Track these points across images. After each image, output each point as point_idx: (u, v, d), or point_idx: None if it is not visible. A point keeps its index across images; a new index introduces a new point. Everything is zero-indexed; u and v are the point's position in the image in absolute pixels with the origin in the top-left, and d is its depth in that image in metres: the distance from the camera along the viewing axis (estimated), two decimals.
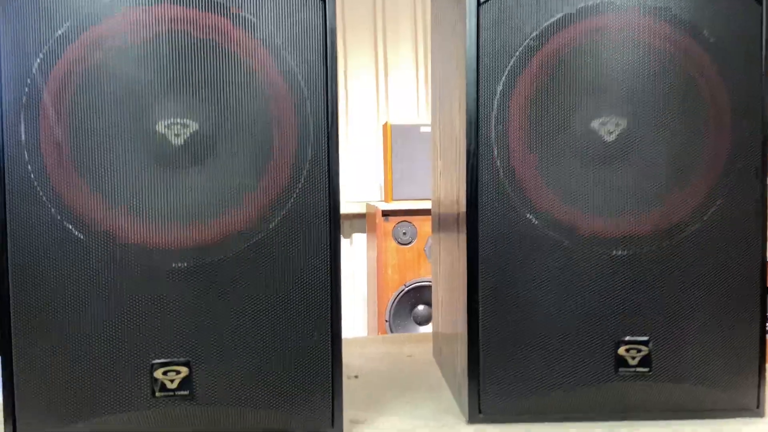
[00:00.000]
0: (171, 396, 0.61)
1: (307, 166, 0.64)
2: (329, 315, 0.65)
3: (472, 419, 0.67)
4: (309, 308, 0.64)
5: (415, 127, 2.09)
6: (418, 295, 2.05)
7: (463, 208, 0.68)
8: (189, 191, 0.62)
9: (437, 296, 0.89)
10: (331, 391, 0.65)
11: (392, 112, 2.55)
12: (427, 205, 1.32)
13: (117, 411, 0.61)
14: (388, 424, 0.69)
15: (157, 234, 0.61)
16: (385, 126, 2.13)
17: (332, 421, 0.65)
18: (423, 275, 2.03)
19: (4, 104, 0.60)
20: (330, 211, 0.64)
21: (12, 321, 0.60)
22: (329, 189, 0.64)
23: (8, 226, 0.60)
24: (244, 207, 0.63)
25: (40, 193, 0.60)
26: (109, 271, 0.61)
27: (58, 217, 0.60)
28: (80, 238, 0.61)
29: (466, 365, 0.67)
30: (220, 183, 0.62)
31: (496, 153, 0.66)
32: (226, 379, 0.62)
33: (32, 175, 0.60)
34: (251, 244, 0.63)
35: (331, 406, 0.65)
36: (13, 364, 0.60)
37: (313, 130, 0.64)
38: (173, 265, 0.62)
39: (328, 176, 0.64)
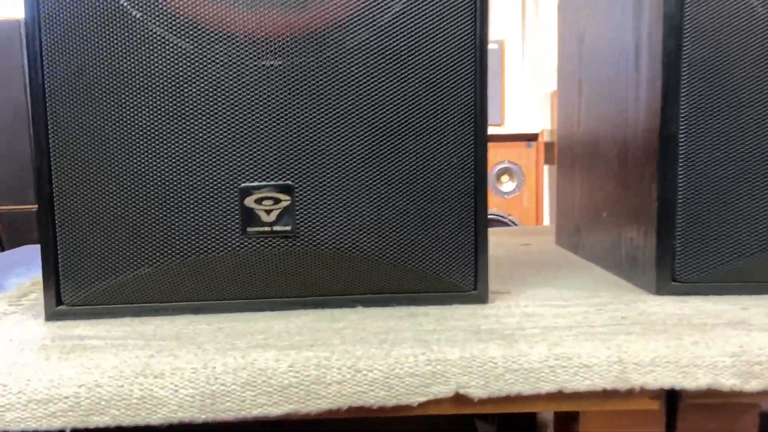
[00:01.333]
0: (267, 233, 0.44)
1: None
2: (472, 134, 0.47)
3: (661, 289, 0.49)
4: (446, 124, 0.47)
5: None
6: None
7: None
8: None
9: (566, 183, 0.71)
10: (474, 241, 0.48)
11: None
12: None
13: (193, 252, 0.45)
14: (542, 294, 0.51)
15: (240, 16, 0.44)
16: None
17: (475, 281, 0.48)
18: None
19: None
20: None
21: (50, 138, 0.45)
22: None
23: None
24: None
25: None
26: (177, 65, 0.44)
27: None
28: (134, 15, 0.44)
29: (655, 219, 0.49)
30: None
31: None
32: (343, 213, 0.45)
33: None
34: (371, 30, 0.45)
35: (474, 262, 0.48)
36: (54, 188, 0.45)
37: None
38: (264, 62, 0.45)
39: None
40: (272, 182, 0.44)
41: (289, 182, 0.44)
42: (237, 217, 0.44)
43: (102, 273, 0.45)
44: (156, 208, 0.44)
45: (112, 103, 0.44)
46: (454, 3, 0.45)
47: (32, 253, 0.88)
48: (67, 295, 0.45)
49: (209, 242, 0.45)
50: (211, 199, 0.44)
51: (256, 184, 0.44)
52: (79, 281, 0.45)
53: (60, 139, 0.44)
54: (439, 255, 0.47)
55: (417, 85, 0.46)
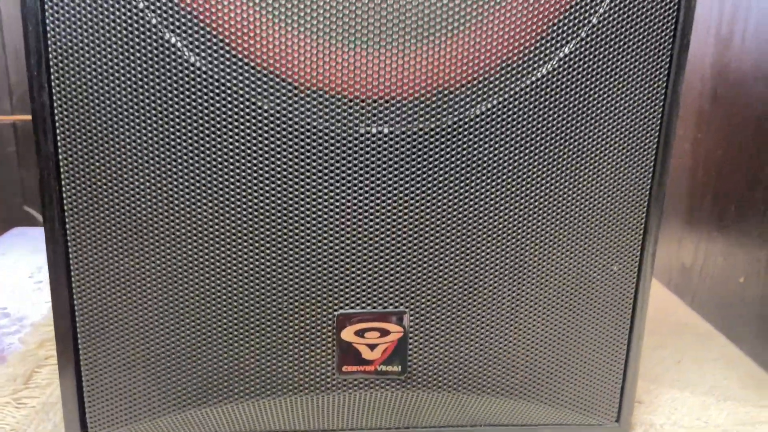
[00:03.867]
0: (369, 373, 0.33)
1: None
2: (640, 241, 0.35)
3: None
4: (611, 222, 0.34)
5: None
6: None
7: None
8: None
9: None
10: (623, 371, 0.37)
11: None
12: None
13: (270, 394, 0.33)
14: (681, 406, 0.41)
15: (335, 66, 0.30)
16: None
17: (618, 413, 0.38)
18: None
19: None
20: (678, 32, 0.32)
21: (68, 226, 0.32)
22: None
23: (48, 30, 0.29)
24: (509, 13, 0.31)
25: None
26: (246, 132, 0.30)
27: (154, 21, 0.29)
28: (193, 63, 0.30)
29: None
30: None
31: None
32: (469, 348, 0.34)
33: None
34: (525, 86, 0.31)
35: (620, 394, 0.37)
36: (77, 317, 0.32)
37: None
38: (368, 129, 0.31)
39: None
40: (379, 309, 0.32)
41: (401, 308, 0.32)
42: (329, 352, 0.33)
43: (137, 413, 0.34)
44: (217, 337, 0.32)
45: (164, 188, 0.31)
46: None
47: (22, 241, 0.75)
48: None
49: (288, 383, 0.33)
50: (293, 328, 0.32)
51: (356, 311, 0.32)
52: (110, 419, 0.34)
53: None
54: (581, 388, 0.36)
55: (583, 163, 0.33)
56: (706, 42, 0.58)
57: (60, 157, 0.31)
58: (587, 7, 0.31)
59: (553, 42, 0.31)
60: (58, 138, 0.31)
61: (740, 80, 0.52)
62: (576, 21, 0.31)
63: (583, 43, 0.31)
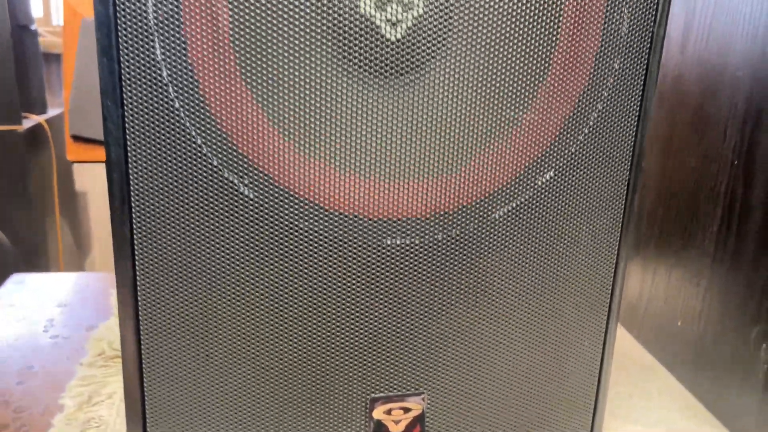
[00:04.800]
0: None
1: (608, 86, 0.39)
2: (605, 317, 0.44)
3: None
4: (581, 308, 0.43)
5: None
6: None
7: None
8: (410, 127, 0.37)
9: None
10: (593, 414, 0.46)
11: None
12: None
13: None
14: None
15: (362, 194, 0.37)
16: None
17: None
18: None
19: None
20: (633, 161, 0.41)
21: (141, 326, 0.38)
22: (639, 123, 0.40)
23: (131, 169, 0.35)
24: (501, 153, 0.39)
25: (186, 122, 0.35)
26: (290, 250, 0.37)
27: (214, 163, 0.36)
28: (246, 195, 0.36)
29: None
30: (461, 114, 0.37)
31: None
32: (476, 414, 0.42)
33: (173, 94, 0.34)
34: (509, 210, 0.40)
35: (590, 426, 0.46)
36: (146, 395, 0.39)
37: (627, 26, 0.38)
38: (393, 240, 0.39)
39: (641, 101, 0.40)
40: (403, 392, 0.40)
41: (421, 390, 0.40)
42: (363, 427, 0.40)
43: None
44: (270, 424, 0.39)
45: (220, 294, 0.37)
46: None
47: (26, 291, 0.78)
48: None
49: None
50: (332, 409, 0.40)
51: (386, 395, 0.40)
52: None
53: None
54: (552, 419, 0.45)
55: (567, 266, 0.41)
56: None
57: (138, 277, 0.37)
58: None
59: (544, 161, 0.39)
60: (137, 263, 0.37)
61: (683, 142, 0.62)
62: (547, 158, 0.39)
63: (555, 178, 0.39)
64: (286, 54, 0.34)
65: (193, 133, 0.35)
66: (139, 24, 0.33)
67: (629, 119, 0.40)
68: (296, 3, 0.34)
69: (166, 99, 0.34)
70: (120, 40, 0.33)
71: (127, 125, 0.35)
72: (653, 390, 0.59)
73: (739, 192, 0.52)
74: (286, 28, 0.34)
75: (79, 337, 0.65)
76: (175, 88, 0.34)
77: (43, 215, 1.84)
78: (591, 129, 0.39)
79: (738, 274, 0.52)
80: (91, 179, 2.28)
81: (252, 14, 0.34)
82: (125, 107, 0.34)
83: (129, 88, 0.34)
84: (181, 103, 0.34)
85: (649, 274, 0.67)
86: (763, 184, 0.50)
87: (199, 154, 0.35)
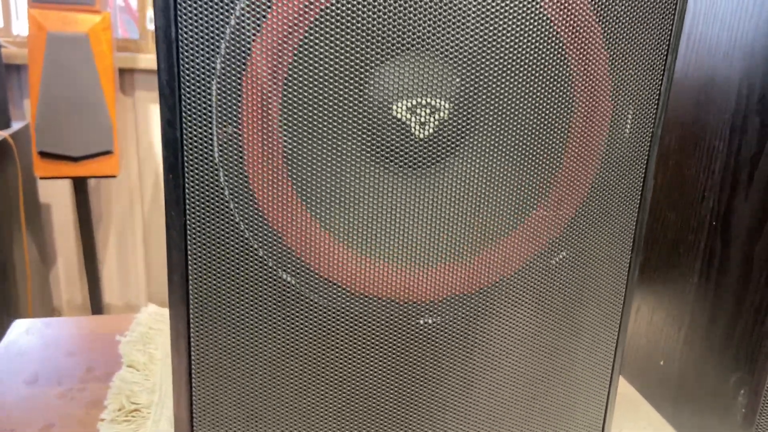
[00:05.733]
0: None
1: (613, 179, 0.44)
2: (609, 375, 0.49)
3: None
4: (587, 373, 0.48)
5: None
6: None
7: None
8: (438, 216, 0.41)
9: None
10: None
11: None
12: None
13: None
14: None
15: (390, 279, 0.41)
16: None
17: None
18: None
19: (183, 104, 0.35)
20: (636, 234, 0.46)
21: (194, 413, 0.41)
22: (641, 198, 0.45)
23: (190, 256, 0.38)
24: (519, 235, 0.43)
25: (244, 232, 0.38)
26: (330, 331, 0.41)
27: (260, 253, 0.39)
28: (288, 281, 0.40)
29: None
30: (485, 201, 0.42)
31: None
32: None
33: (233, 209, 0.37)
34: (526, 285, 0.44)
35: None
36: None
37: (633, 99, 0.43)
38: (426, 320, 0.43)
39: (644, 173, 0.45)
40: None
41: None
42: None
43: None
44: None
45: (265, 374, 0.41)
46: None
47: (33, 340, 0.79)
48: None
49: None
50: None
51: None
52: None
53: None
54: None
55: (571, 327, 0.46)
56: None
57: (192, 354, 0.40)
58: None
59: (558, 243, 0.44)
60: (193, 359, 0.40)
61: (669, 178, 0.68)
62: (565, 237, 0.43)
63: (570, 255, 0.44)
64: (331, 162, 0.38)
65: (249, 238, 0.38)
66: (204, 147, 0.36)
67: (631, 207, 0.45)
68: (341, 115, 0.37)
69: (226, 211, 0.37)
70: (186, 161, 0.36)
71: (189, 233, 0.38)
72: (640, 425, 0.65)
73: (717, 248, 0.58)
74: (332, 141, 0.38)
75: (95, 389, 0.67)
76: (236, 204, 0.37)
77: (9, 228, 1.81)
78: (597, 214, 0.44)
79: (717, 325, 0.58)
80: (55, 192, 2.24)
81: (305, 135, 0.37)
82: (187, 216, 0.37)
83: (192, 201, 0.37)
84: (241, 217, 0.38)
85: (632, 312, 0.73)
86: (739, 243, 0.56)
87: (256, 257, 0.39)
